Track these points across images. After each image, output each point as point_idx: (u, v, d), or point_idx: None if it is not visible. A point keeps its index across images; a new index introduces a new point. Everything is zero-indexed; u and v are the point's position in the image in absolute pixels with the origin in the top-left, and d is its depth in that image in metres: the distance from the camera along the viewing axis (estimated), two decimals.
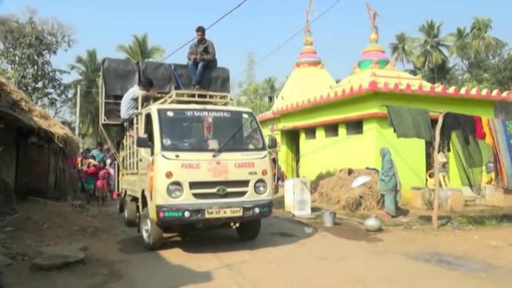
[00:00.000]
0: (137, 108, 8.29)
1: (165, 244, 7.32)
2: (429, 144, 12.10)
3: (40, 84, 31.25)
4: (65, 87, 34.97)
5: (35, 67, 30.13)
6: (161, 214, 6.41)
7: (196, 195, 6.59)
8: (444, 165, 12.67)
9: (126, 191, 9.42)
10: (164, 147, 6.69)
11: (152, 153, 6.81)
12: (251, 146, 7.60)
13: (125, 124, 9.14)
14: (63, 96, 35.32)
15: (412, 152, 12.49)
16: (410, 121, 8.64)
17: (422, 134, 8.85)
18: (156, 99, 8.49)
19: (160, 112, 7.08)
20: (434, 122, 8.93)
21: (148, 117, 7.34)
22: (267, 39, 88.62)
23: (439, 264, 6.09)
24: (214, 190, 6.65)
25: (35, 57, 30.08)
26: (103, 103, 9.44)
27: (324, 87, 17.05)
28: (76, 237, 7.76)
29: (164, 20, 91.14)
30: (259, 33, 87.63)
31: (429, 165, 12.98)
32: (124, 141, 9.68)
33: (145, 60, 11.90)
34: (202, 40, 9.59)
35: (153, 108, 7.20)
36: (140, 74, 9.52)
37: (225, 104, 8.17)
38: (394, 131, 8.71)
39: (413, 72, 32.01)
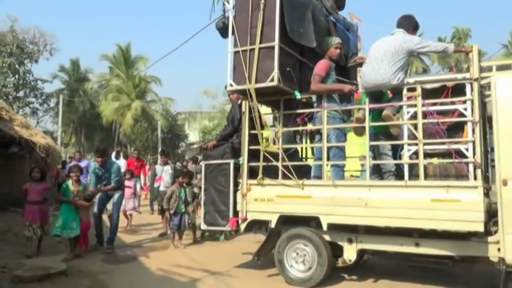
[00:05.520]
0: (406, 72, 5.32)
1: (148, 254, 7.26)
2: None
3: (21, 94, 30.82)
4: (47, 96, 34.55)
5: (16, 76, 29.71)
6: None
7: None
8: None
9: (282, 218, 5.48)
10: None
11: None
12: None
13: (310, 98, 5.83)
14: (45, 105, 34.89)
15: None
16: None
17: None
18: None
19: None
20: None
21: None
22: None
23: None
24: None
25: (16, 66, 29.68)
26: (276, 48, 5.21)
27: None
28: (59, 248, 7.61)
29: (147, 29, 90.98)
30: None
31: None
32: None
33: None
34: None
35: None
36: (313, 15, 5.97)
37: None
38: None
39: None
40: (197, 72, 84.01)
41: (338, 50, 5.88)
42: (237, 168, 5.83)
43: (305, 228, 5.31)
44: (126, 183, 9.15)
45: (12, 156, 11.70)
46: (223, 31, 5.94)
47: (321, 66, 5.59)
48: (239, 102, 6.24)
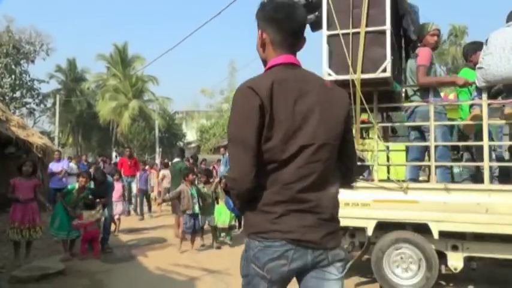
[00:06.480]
0: None
1: (146, 253, 7.26)
2: None
3: (18, 94, 30.74)
4: (43, 96, 34.49)
5: (13, 76, 29.63)
6: None
7: None
8: None
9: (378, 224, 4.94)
10: None
11: None
12: None
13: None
14: (42, 105, 34.84)
15: None
16: None
17: None
18: None
19: None
20: None
21: None
22: (248, 47, 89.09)
23: None
24: None
25: (13, 66, 29.60)
26: (387, 33, 4.48)
27: None
28: (56, 248, 7.59)
29: (143, 29, 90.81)
30: (241, 41, 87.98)
31: None
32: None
33: None
34: None
35: None
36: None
37: None
38: None
39: None
40: (194, 72, 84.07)
41: (435, 37, 5.23)
42: None
43: (411, 233, 4.84)
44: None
45: (9, 156, 11.67)
46: (307, 9, 5.38)
47: (423, 55, 4.99)
48: None
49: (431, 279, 4.69)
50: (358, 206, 4.91)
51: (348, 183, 2.13)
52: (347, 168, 2.03)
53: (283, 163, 1.80)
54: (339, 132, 1.90)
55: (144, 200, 12.17)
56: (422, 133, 5.13)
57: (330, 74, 4.68)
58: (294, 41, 1.93)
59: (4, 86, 29.07)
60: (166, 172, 11.54)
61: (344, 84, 4.55)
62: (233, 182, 1.85)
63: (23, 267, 6.02)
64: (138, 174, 12.20)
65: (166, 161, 16.85)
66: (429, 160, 4.90)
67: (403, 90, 5.46)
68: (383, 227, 4.91)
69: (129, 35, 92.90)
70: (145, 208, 12.21)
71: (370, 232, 4.87)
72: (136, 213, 11.98)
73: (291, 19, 1.90)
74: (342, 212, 4.53)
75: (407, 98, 5.52)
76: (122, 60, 38.55)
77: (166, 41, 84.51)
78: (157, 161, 22.61)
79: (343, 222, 4.73)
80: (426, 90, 4.99)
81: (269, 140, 1.78)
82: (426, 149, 5.12)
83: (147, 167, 13.84)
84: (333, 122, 1.88)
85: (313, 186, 1.82)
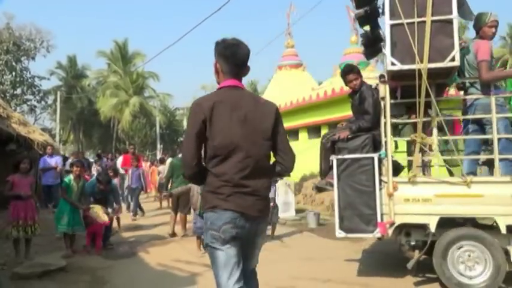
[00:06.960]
0: None
1: (147, 249, 7.27)
2: None
3: (19, 91, 30.69)
4: (44, 93, 34.47)
5: (13, 73, 29.58)
6: None
7: None
8: None
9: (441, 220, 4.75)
10: None
11: None
12: None
13: None
14: (43, 102, 34.80)
15: None
16: None
17: None
18: None
19: None
20: None
21: None
22: (248, 42, 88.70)
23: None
24: None
25: (13, 63, 29.55)
26: (454, 22, 4.52)
27: (306, 89, 17.15)
28: (58, 244, 7.62)
29: (144, 25, 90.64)
30: (241, 36, 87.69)
31: None
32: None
33: None
34: None
35: None
36: None
37: None
38: None
39: None
40: (194, 68, 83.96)
41: (493, 29, 4.98)
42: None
43: (477, 230, 4.68)
44: None
45: (10, 153, 11.67)
46: (360, 3, 5.09)
47: (484, 49, 4.77)
48: (374, 86, 5.43)
49: (499, 277, 4.50)
50: (418, 201, 4.74)
51: (286, 171, 2.78)
52: (283, 159, 2.73)
53: (225, 158, 2.51)
54: (266, 135, 2.61)
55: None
56: (481, 126, 4.97)
57: (393, 64, 4.61)
58: (237, 70, 2.67)
59: (5, 83, 29.02)
60: (161, 168, 11.40)
61: (408, 74, 4.58)
62: (183, 168, 2.63)
63: (24, 263, 6.05)
64: (130, 171, 11.49)
65: (162, 156, 16.53)
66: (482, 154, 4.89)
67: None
68: (441, 223, 4.72)
69: (129, 31, 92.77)
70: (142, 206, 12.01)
71: (433, 228, 4.66)
72: (134, 212, 11.41)
73: (234, 56, 2.63)
74: (399, 208, 4.59)
75: (460, 89, 5.43)
76: (123, 56, 38.54)
77: (167, 38, 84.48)
78: (159, 157, 22.56)
79: (403, 219, 4.74)
80: (486, 83, 4.83)
81: (213, 140, 2.50)
82: (482, 142, 5.07)
83: (142, 164, 12.94)
84: (262, 127, 2.59)
85: (250, 175, 2.53)
